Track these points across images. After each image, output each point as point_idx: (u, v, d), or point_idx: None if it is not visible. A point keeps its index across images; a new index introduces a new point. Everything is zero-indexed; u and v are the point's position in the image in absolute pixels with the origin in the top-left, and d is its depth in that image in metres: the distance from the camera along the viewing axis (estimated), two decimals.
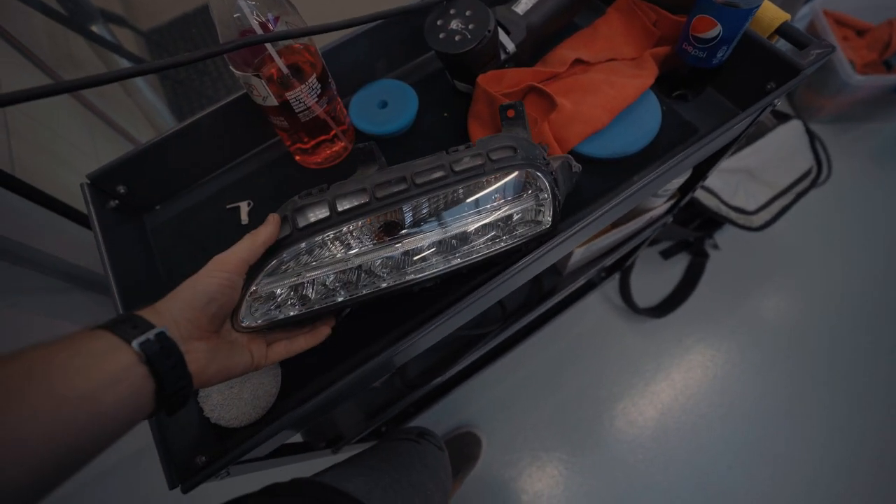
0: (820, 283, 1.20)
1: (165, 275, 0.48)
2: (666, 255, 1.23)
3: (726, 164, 1.01)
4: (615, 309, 1.20)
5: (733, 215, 1.02)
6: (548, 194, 0.39)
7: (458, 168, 0.37)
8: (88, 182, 0.46)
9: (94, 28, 0.97)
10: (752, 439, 1.06)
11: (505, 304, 0.73)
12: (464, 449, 1.06)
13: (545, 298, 0.70)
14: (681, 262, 1.23)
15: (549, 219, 0.41)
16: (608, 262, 0.75)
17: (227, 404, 0.39)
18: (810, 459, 1.04)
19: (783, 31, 0.50)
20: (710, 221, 1.13)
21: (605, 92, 0.47)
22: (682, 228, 1.12)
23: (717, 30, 0.45)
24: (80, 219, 0.74)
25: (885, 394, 1.08)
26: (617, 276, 1.15)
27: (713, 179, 1.00)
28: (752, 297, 1.20)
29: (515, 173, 0.38)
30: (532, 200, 0.40)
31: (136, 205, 0.51)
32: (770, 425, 1.07)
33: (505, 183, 0.38)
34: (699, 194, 1.00)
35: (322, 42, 0.51)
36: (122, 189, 0.48)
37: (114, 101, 1.05)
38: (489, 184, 0.38)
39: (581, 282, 0.74)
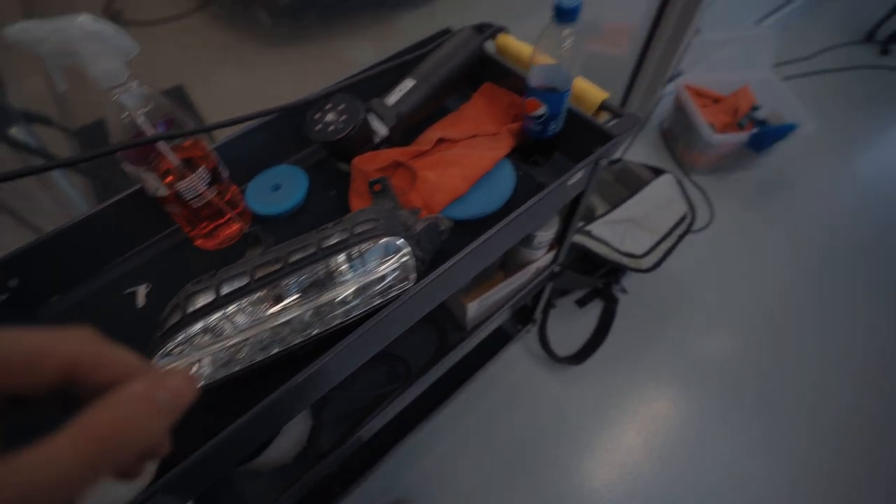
0: (719, 313, 1.33)
1: None
2: (581, 303, 1.33)
3: (613, 215, 1.15)
4: (538, 360, 1.25)
5: (625, 260, 1.14)
6: (409, 256, 0.45)
7: (325, 244, 0.43)
8: None
9: (14, 131, 0.96)
10: (678, 473, 1.10)
11: (408, 361, 0.76)
12: None
13: (449, 352, 0.74)
14: (595, 309, 1.32)
15: (415, 276, 0.46)
16: (507, 313, 0.81)
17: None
18: (730, 484, 1.09)
19: (605, 106, 0.63)
20: (614, 269, 1.25)
21: (464, 164, 0.56)
22: (587, 277, 1.22)
23: (543, 109, 0.55)
24: None
25: (791, 414, 1.18)
26: (535, 328, 1.21)
27: (603, 230, 1.13)
28: (662, 334, 1.30)
29: (378, 241, 0.44)
30: (397, 263, 0.46)
31: (30, 297, 0.52)
32: (693, 454, 1.12)
33: (372, 250, 0.44)
34: (591, 244, 1.11)
35: (224, 134, 0.58)
36: (13, 282, 0.49)
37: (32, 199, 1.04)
38: (356, 254, 0.44)
39: (484, 334, 0.79)
